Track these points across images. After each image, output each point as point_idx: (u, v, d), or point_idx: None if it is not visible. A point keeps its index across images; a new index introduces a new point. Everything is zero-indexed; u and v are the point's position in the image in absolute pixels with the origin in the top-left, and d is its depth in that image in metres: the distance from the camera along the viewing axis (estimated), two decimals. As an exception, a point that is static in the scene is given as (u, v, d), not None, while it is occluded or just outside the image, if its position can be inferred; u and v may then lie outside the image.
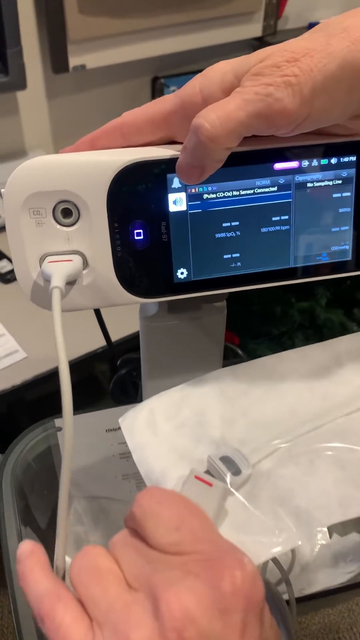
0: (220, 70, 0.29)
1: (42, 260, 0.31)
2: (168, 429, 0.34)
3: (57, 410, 0.41)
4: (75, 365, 0.97)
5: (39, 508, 0.49)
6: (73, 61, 1.17)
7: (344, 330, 1.36)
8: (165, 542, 0.24)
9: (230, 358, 0.68)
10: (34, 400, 1.13)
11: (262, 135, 0.29)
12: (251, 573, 0.23)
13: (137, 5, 1.17)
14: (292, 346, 1.33)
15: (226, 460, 0.31)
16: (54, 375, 0.95)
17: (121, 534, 0.27)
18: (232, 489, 0.30)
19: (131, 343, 0.94)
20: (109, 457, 0.52)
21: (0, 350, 0.97)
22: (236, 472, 0.31)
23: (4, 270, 1.08)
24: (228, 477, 0.31)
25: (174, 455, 0.32)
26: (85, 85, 1.28)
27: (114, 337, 0.92)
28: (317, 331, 1.36)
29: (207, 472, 0.31)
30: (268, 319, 1.35)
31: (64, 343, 0.26)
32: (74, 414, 0.50)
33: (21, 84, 1.13)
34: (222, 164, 0.29)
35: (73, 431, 0.25)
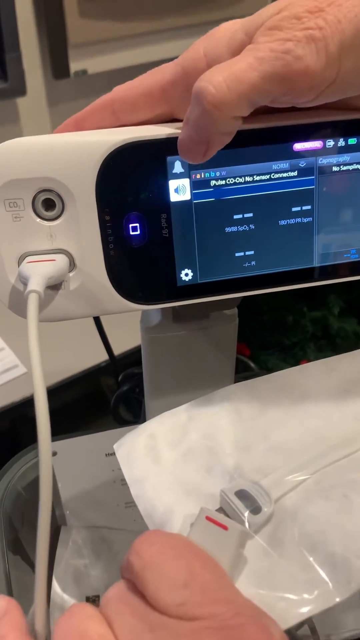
0: (228, 29, 0.25)
1: (20, 260, 0.27)
2: (172, 458, 0.29)
3: (57, 430, 0.37)
4: (79, 380, 0.96)
5: (30, 541, 0.45)
6: (74, 66, 1.16)
7: (358, 340, 1.33)
8: (170, 602, 0.20)
9: (241, 372, 0.64)
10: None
11: (278, 106, 0.24)
12: None
13: (139, 9, 1.16)
14: (305, 357, 1.30)
15: (242, 496, 0.27)
16: (55, 391, 0.94)
17: (116, 589, 0.22)
18: (251, 532, 0.26)
19: (137, 356, 0.91)
20: (110, 483, 0.49)
21: None
22: (255, 509, 0.26)
23: (3, 282, 1.05)
24: (246, 517, 0.26)
25: (179, 489, 0.28)
26: (87, 90, 1.26)
27: (119, 350, 0.90)
28: (330, 341, 1.33)
29: (220, 509, 0.27)
30: (279, 329, 1.32)
31: (40, 357, 0.21)
32: (72, 436, 0.47)
33: (21, 90, 1.12)
34: (231, 140, 0.25)
35: (51, 463, 0.21)
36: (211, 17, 1.24)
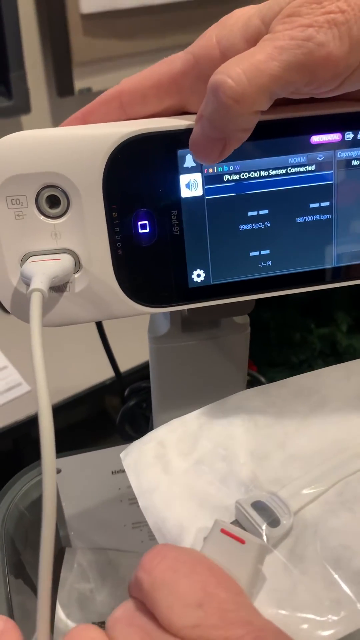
0: (242, 15, 0.23)
1: (23, 261, 0.26)
2: (183, 467, 0.28)
3: (61, 449, 0.35)
4: (83, 398, 0.95)
5: (33, 564, 0.43)
6: (78, 84, 1.17)
7: (367, 357, 1.30)
8: (183, 624, 0.19)
9: (252, 386, 0.62)
10: (41, 436, 1.08)
11: (298, 97, 0.23)
12: None
13: (142, 27, 1.17)
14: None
15: (259, 507, 0.25)
16: (60, 409, 0.92)
17: (124, 609, 0.21)
18: (269, 546, 0.24)
19: (146, 371, 0.90)
20: (117, 503, 0.47)
21: (2, 383, 0.95)
22: (273, 522, 0.25)
23: (7, 300, 1.05)
24: (264, 530, 0.24)
25: (191, 500, 0.26)
26: (92, 109, 1.27)
27: (126, 366, 0.89)
28: (338, 358, 1.31)
29: (236, 522, 0.25)
30: (286, 346, 1.30)
31: (43, 360, 0.20)
32: (76, 452, 0.45)
33: (25, 108, 1.12)
34: (248, 137, 0.23)
35: (55, 477, 0.19)
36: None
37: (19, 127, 1.21)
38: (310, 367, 1.30)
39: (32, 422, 0.90)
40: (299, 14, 0.21)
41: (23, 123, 1.20)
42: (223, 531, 0.23)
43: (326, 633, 0.22)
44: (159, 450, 0.29)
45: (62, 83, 1.15)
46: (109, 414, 1.43)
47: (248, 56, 0.21)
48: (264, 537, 0.24)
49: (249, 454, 0.28)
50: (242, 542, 0.23)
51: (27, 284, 0.24)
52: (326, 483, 0.27)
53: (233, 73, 0.21)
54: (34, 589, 0.43)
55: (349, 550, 0.24)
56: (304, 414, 0.30)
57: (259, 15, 0.23)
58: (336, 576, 0.23)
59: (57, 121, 1.25)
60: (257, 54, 0.21)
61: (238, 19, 0.24)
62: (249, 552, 0.23)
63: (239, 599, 0.20)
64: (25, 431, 0.91)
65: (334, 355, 1.32)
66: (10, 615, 0.38)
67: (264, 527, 0.24)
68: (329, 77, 0.22)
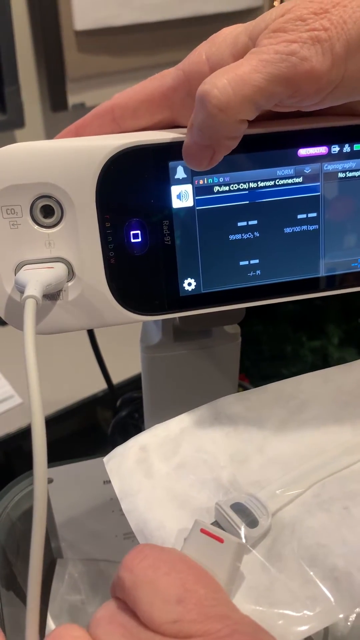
0: (230, 33, 0.24)
1: (17, 269, 0.26)
2: (164, 471, 0.28)
3: (53, 460, 0.35)
4: (75, 411, 0.93)
5: (25, 576, 0.42)
6: (72, 99, 1.18)
7: (358, 370, 1.31)
8: (164, 619, 0.19)
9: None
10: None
11: (283, 110, 0.23)
12: None
13: (135, 44, 1.18)
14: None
15: (239, 509, 0.26)
16: (52, 421, 0.91)
17: (106, 608, 0.21)
18: (248, 546, 0.25)
19: (138, 384, 0.89)
20: (109, 513, 0.47)
21: None
22: (252, 523, 0.25)
23: (-1, 312, 1.04)
24: (242, 530, 0.25)
25: (172, 503, 0.27)
26: (85, 123, 1.27)
27: (118, 378, 0.88)
28: (330, 371, 1.31)
29: (216, 523, 0.26)
30: (278, 359, 1.30)
31: (36, 366, 0.20)
32: (67, 462, 0.45)
33: (19, 123, 1.13)
34: (236, 145, 0.24)
35: (46, 483, 0.19)
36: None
37: (12, 141, 1.20)
38: (302, 380, 1.30)
39: (23, 435, 0.88)
40: (284, 30, 0.22)
41: (17, 137, 1.21)
42: (202, 531, 0.23)
43: (302, 628, 0.22)
44: (141, 454, 0.29)
45: (55, 98, 1.16)
46: (101, 426, 1.42)
47: (234, 68, 0.22)
48: (243, 538, 0.25)
49: (228, 457, 0.29)
50: (221, 541, 0.23)
51: (21, 292, 0.24)
52: (303, 485, 0.27)
53: (219, 83, 0.22)
54: (25, 601, 0.43)
55: (325, 549, 0.24)
56: (282, 419, 0.30)
57: (245, 32, 0.24)
58: (312, 573, 0.24)
59: (50, 136, 1.26)
60: (243, 66, 0.22)
61: (226, 36, 0.24)
62: (227, 550, 0.23)
63: (217, 596, 0.21)
64: (16, 444, 0.90)
65: (326, 367, 1.32)
66: (2, 627, 0.38)
67: (242, 527, 0.25)
68: (312, 91, 0.22)
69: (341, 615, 0.22)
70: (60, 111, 1.18)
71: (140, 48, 1.19)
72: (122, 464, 0.29)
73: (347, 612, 0.23)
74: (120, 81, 1.21)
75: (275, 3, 1.31)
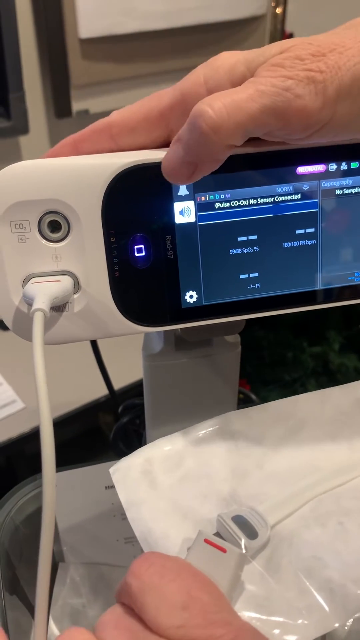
0: (228, 59, 0.25)
1: (25, 282, 0.27)
2: (168, 483, 0.29)
3: (56, 464, 0.36)
4: (77, 416, 0.94)
5: (28, 579, 0.43)
6: (76, 106, 1.18)
7: (359, 376, 1.32)
8: (169, 624, 0.20)
9: (242, 404, 0.63)
10: (35, 454, 1.07)
11: (271, 140, 0.25)
12: None
13: (139, 52, 1.19)
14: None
15: (239, 521, 0.27)
16: (54, 426, 0.91)
17: (112, 613, 0.22)
18: (248, 557, 0.26)
19: (139, 389, 0.90)
20: (110, 518, 0.47)
21: None
22: (251, 535, 0.26)
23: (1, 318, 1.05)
24: (243, 541, 0.26)
25: (176, 514, 0.28)
26: (89, 130, 1.28)
27: (120, 384, 0.89)
28: (330, 377, 1.32)
29: (217, 534, 0.27)
30: (279, 364, 1.31)
31: (45, 377, 0.21)
32: (69, 467, 0.46)
33: (24, 129, 1.13)
34: (217, 167, 0.24)
35: (55, 485, 0.20)
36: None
37: (17, 148, 1.22)
38: (303, 385, 1.31)
39: (25, 439, 0.89)
40: (283, 66, 0.23)
41: (21, 143, 1.22)
42: (206, 541, 0.24)
43: (298, 636, 0.23)
44: (146, 467, 0.30)
45: (60, 105, 1.17)
46: (102, 431, 1.43)
47: (231, 93, 0.23)
48: (243, 548, 0.25)
49: (230, 472, 0.30)
50: (224, 551, 0.24)
51: (29, 304, 0.25)
52: (301, 500, 0.28)
53: (215, 105, 0.22)
54: (27, 605, 0.43)
55: (321, 561, 0.25)
56: (281, 437, 0.31)
57: (244, 62, 0.25)
58: (308, 584, 0.25)
59: (54, 142, 1.26)
60: (240, 92, 0.23)
61: (224, 61, 0.25)
62: (230, 560, 0.24)
63: (220, 602, 0.21)
64: (18, 448, 0.90)
65: (326, 373, 1.33)
66: (6, 631, 0.38)
67: (243, 539, 0.26)
68: (300, 127, 0.23)
69: (336, 624, 0.23)
70: (64, 118, 1.19)
71: (144, 56, 1.20)
72: (127, 475, 0.29)
73: (342, 622, 0.24)
74: (124, 88, 1.21)
75: (278, 10, 1.32)
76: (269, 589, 0.25)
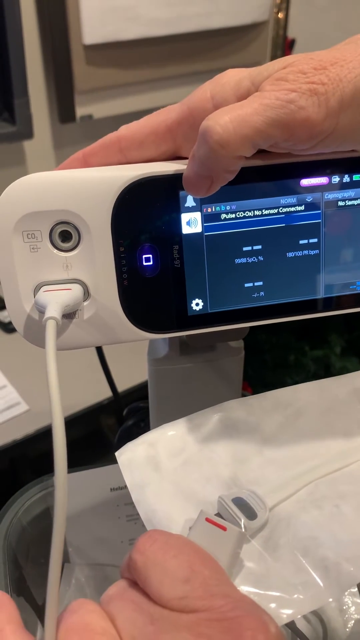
0: (234, 76, 0.26)
1: (36, 290, 0.28)
2: (172, 466, 0.30)
3: None
4: (80, 418, 0.94)
5: (35, 579, 0.44)
6: (80, 111, 1.18)
7: (360, 379, 1.31)
8: (172, 596, 0.21)
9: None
10: (38, 456, 1.08)
11: (277, 151, 0.26)
12: (275, 638, 0.20)
13: (143, 56, 1.19)
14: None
15: (239, 503, 0.28)
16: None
17: (117, 586, 0.23)
18: (247, 536, 0.27)
19: (142, 392, 0.90)
20: (115, 519, 0.48)
21: (0, 402, 0.94)
22: (251, 515, 0.27)
23: (6, 320, 1.06)
24: (242, 522, 0.27)
25: (179, 495, 0.29)
26: (93, 135, 1.29)
27: (122, 386, 0.89)
28: (332, 381, 1.32)
29: (218, 514, 0.28)
30: (281, 367, 1.31)
31: (58, 382, 0.22)
32: (76, 470, 0.46)
33: (28, 134, 1.14)
34: (233, 177, 0.26)
35: (67, 487, 0.21)
36: (213, 66, 1.28)
37: (21, 152, 1.23)
38: (304, 389, 1.31)
39: (29, 442, 0.89)
40: (286, 79, 0.24)
41: (26, 148, 1.22)
42: (207, 520, 0.26)
43: (293, 610, 0.24)
44: (150, 450, 0.31)
45: (64, 110, 1.17)
46: (104, 433, 1.43)
47: (237, 108, 0.24)
48: (243, 528, 0.27)
49: (230, 456, 0.31)
50: (224, 529, 0.25)
51: (41, 312, 0.26)
52: (298, 484, 0.29)
53: (221, 121, 0.24)
54: (34, 605, 0.44)
55: (316, 541, 0.26)
56: (280, 424, 0.32)
57: (249, 77, 0.26)
58: (304, 562, 0.26)
59: (58, 147, 1.27)
60: (245, 107, 0.24)
61: (230, 78, 0.26)
62: (230, 538, 0.25)
63: (220, 577, 0.22)
64: (22, 450, 0.90)
65: (328, 376, 1.33)
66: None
67: (242, 519, 0.27)
68: (305, 137, 0.24)
69: (330, 599, 0.25)
70: (68, 123, 1.19)
71: (147, 61, 1.20)
72: (133, 458, 0.30)
73: (335, 597, 0.25)
74: (128, 94, 1.22)
75: (280, 16, 1.33)
76: (267, 566, 0.26)
